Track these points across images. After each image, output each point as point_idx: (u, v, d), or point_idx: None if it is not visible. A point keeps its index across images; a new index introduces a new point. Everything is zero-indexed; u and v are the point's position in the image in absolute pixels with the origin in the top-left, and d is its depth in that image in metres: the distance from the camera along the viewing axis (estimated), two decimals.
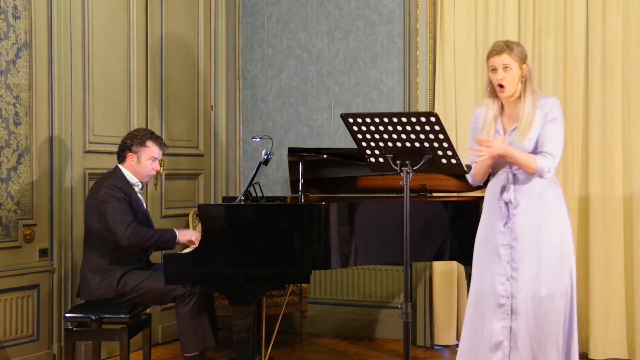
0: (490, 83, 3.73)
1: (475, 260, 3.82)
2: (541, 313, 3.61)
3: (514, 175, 3.69)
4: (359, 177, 4.87)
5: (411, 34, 5.64)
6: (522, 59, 3.68)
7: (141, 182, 4.45)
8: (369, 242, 4.16)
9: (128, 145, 4.41)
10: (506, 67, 3.64)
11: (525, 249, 3.65)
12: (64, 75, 4.86)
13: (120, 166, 4.43)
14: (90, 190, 4.45)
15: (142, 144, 4.40)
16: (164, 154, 5.59)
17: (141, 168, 4.41)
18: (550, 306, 3.62)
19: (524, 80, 3.68)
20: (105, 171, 5.02)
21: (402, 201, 3.51)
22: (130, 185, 4.38)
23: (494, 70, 3.67)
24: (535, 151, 3.65)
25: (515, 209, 3.67)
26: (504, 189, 3.71)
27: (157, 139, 4.47)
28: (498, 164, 3.73)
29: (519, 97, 3.70)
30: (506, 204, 3.69)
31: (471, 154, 3.73)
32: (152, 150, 4.42)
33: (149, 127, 5.47)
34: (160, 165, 5.56)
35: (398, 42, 5.73)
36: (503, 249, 3.69)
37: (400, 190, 4.00)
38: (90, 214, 4.33)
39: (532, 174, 3.64)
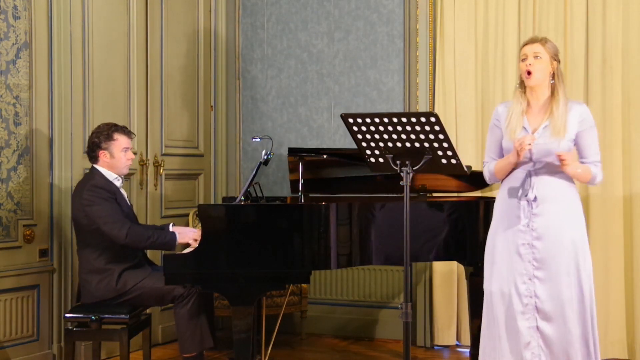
0: (520, 78, 3.75)
1: (489, 260, 3.79)
2: (567, 315, 3.62)
3: (535, 173, 3.69)
4: (359, 177, 4.87)
5: (411, 34, 5.64)
6: (554, 55, 3.73)
7: (120, 175, 4.42)
8: (369, 242, 4.16)
9: (97, 143, 4.35)
10: (537, 56, 3.68)
11: (547, 250, 3.66)
12: (64, 75, 4.86)
13: (95, 166, 4.37)
14: (72, 196, 4.41)
15: (110, 138, 4.34)
16: (163, 154, 5.63)
17: (116, 162, 4.36)
18: (575, 308, 3.63)
19: (556, 79, 3.71)
20: None
21: (402, 201, 3.51)
22: (110, 183, 4.34)
23: (524, 59, 3.71)
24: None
25: (537, 208, 3.67)
26: (524, 187, 3.70)
27: (123, 129, 4.42)
28: (519, 162, 3.72)
29: (548, 97, 3.72)
30: (528, 202, 3.68)
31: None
32: (121, 141, 4.37)
33: (149, 128, 5.48)
34: (160, 165, 5.57)
35: (398, 42, 5.73)
36: (524, 248, 3.68)
37: (400, 190, 4.00)
38: (79, 218, 4.29)
39: (584, 182, 3.73)
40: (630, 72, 5.08)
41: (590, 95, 5.15)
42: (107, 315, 4.17)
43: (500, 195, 3.82)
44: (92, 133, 4.42)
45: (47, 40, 4.79)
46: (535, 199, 3.66)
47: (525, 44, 3.75)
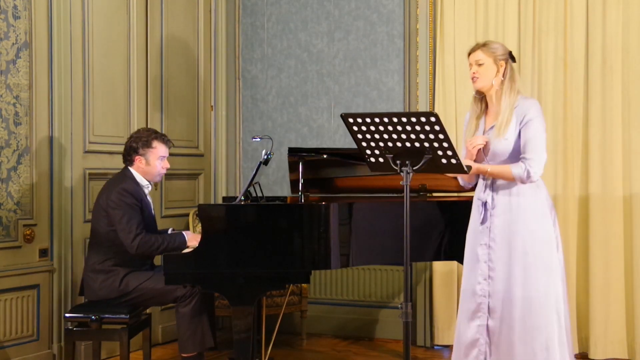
0: None
1: (464, 260, 3.91)
2: (516, 315, 3.65)
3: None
4: (359, 177, 4.87)
5: (411, 34, 5.64)
6: (499, 56, 3.75)
7: (151, 182, 4.42)
8: (369, 242, 4.16)
9: (134, 148, 4.35)
10: (479, 63, 3.75)
11: (501, 250, 3.71)
12: (64, 75, 4.86)
13: (130, 168, 4.38)
14: (100, 192, 4.40)
15: (148, 145, 4.36)
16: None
17: (151, 169, 4.38)
18: (528, 308, 3.64)
19: (504, 78, 3.74)
20: (105, 171, 5.04)
21: (402, 201, 3.51)
22: (140, 188, 4.35)
23: (470, 67, 3.79)
24: (513, 152, 3.69)
25: (494, 209, 3.75)
26: (481, 189, 3.81)
27: (162, 138, 4.43)
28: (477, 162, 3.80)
29: (500, 96, 3.77)
30: (483, 204, 3.76)
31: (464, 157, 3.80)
32: (159, 150, 4.39)
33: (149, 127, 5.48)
34: None
35: (398, 42, 5.73)
36: (481, 249, 3.77)
37: (400, 190, 4.00)
38: (99, 217, 4.30)
39: (514, 182, 3.70)
40: (630, 72, 5.08)
41: (590, 95, 5.15)
42: (107, 315, 4.18)
43: (474, 196, 3.92)
44: (131, 137, 4.42)
45: (47, 40, 4.79)
46: (489, 201, 3.74)
47: (468, 53, 3.82)
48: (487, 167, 3.71)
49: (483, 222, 3.76)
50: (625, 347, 5.09)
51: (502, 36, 5.34)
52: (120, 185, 4.29)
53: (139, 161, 4.36)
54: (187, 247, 4.29)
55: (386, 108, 5.74)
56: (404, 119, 3.43)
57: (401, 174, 3.50)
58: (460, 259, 4.61)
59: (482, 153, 3.77)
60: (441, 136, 3.43)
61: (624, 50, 5.08)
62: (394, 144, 3.51)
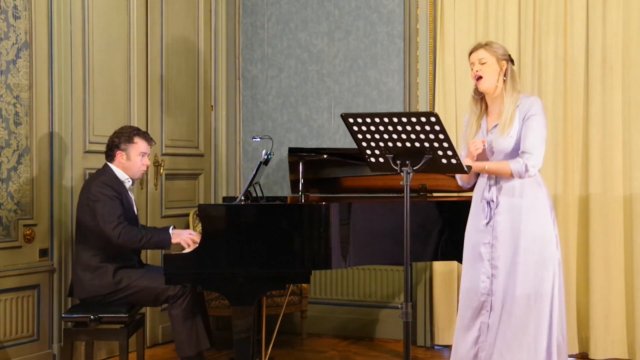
0: (475, 85, 3.85)
1: (464, 259, 3.92)
2: (514, 311, 3.68)
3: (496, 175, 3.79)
4: (359, 177, 4.87)
5: (411, 34, 5.64)
6: (501, 56, 3.79)
7: (132, 178, 4.44)
8: (369, 242, 4.16)
9: (116, 143, 4.40)
10: (482, 62, 3.77)
11: (503, 248, 3.74)
12: (64, 75, 4.86)
13: (109, 164, 4.42)
14: (81, 189, 4.45)
15: (130, 140, 4.39)
16: (163, 154, 5.63)
17: (131, 165, 4.41)
18: (525, 306, 3.68)
19: (505, 78, 3.77)
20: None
21: (402, 201, 3.51)
22: (120, 183, 4.37)
23: (472, 66, 3.80)
24: (516, 149, 3.73)
25: (497, 207, 3.77)
26: (486, 188, 3.81)
27: (144, 135, 4.47)
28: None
29: (502, 95, 3.79)
30: (488, 203, 3.78)
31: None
32: (140, 145, 4.41)
33: (149, 128, 5.48)
34: (160, 165, 5.58)
35: (398, 42, 5.73)
36: (484, 248, 3.79)
37: (400, 190, 4.00)
38: (83, 213, 4.33)
39: (512, 177, 3.73)
40: (630, 72, 5.08)
41: (590, 95, 5.15)
42: (105, 315, 4.17)
43: (473, 196, 3.94)
44: (114, 133, 4.46)
45: (47, 40, 4.79)
46: (494, 199, 3.76)
47: (470, 52, 3.84)
48: (485, 164, 3.74)
49: (488, 221, 3.76)
50: (625, 347, 5.09)
51: (502, 36, 5.34)
52: (99, 179, 4.33)
53: (120, 156, 4.40)
54: (172, 244, 4.29)
55: (386, 108, 5.74)
56: (404, 119, 3.43)
57: (401, 174, 3.50)
58: (459, 258, 4.63)
59: (486, 153, 3.79)
60: (441, 136, 3.43)
61: (624, 50, 5.09)
62: (394, 144, 3.51)
